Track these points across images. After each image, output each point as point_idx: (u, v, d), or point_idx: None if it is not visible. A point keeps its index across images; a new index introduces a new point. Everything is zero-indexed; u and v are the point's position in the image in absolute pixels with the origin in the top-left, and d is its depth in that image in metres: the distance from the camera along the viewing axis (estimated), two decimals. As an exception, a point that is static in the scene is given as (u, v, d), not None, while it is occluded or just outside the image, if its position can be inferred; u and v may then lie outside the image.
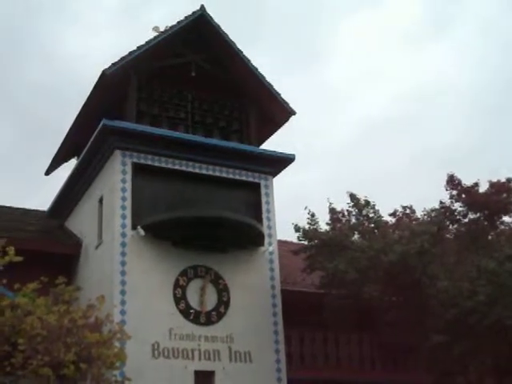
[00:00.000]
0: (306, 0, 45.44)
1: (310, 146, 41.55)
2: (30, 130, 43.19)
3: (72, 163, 19.97)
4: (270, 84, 18.63)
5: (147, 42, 17.55)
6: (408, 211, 18.23)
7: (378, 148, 45.46)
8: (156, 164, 17.04)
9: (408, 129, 46.00)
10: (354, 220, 17.90)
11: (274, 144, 19.81)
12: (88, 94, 17.52)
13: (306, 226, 17.69)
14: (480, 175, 17.92)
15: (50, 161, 20.26)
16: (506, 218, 18.00)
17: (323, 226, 17.84)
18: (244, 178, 18.06)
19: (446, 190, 17.87)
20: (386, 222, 17.90)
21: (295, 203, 20.99)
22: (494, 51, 44.98)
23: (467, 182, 17.76)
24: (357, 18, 47.28)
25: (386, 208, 18.27)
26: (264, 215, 17.85)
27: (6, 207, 20.19)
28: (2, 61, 42.52)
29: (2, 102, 42.92)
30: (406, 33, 47.44)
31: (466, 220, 17.88)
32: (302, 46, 46.28)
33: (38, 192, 34.96)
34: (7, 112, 42.83)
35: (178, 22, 18.06)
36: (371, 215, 17.84)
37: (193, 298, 16.24)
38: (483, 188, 17.82)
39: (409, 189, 37.39)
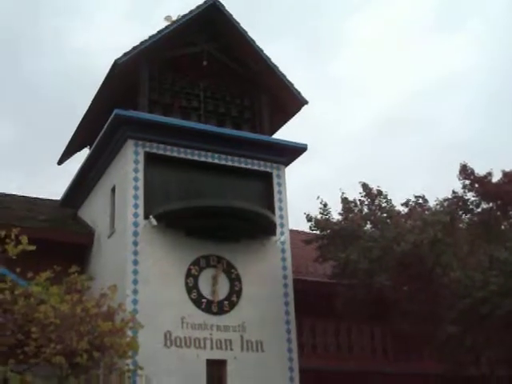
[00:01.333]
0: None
1: (323, 137, 41.55)
2: (43, 121, 43.36)
3: (85, 153, 20.04)
4: (282, 74, 18.58)
5: (159, 32, 17.52)
6: (421, 201, 18.15)
7: (391, 140, 45.47)
8: (168, 153, 17.05)
9: (422, 122, 45.80)
10: (366, 210, 17.85)
11: (286, 134, 19.78)
12: (100, 83, 17.53)
13: (318, 216, 17.67)
14: (495, 167, 17.84)
15: (62, 150, 20.33)
16: (519, 208, 17.90)
17: (335, 215, 17.84)
18: (256, 168, 18.04)
19: (459, 179, 17.81)
20: (399, 212, 17.84)
21: (307, 193, 21.01)
22: (507, 45, 44.64)
23: (480, 171, 17.68)
24: (369, 12, 47.06)
25: (398, 198, 18.25)
26: (276, 205, 17.84)
27: (19, 196, 20.28)
28: (20, 54, 42.84)
29: (20, 95, 43.24)
30: (419, 26, 47.20)
31: (479, 210, 17.81)
32: (315, 37, 46.21)
33: (52, 181, 35.22)
34: (24, 103, 43.18)
35: (190, 12, 18.02)
36: (384, 205, 17.79)
37: (205, 288, 16.27)
38: (496, 178, 17.73)
39: (421, 180, 37.33)
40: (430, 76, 47.06)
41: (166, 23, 17.84)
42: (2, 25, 42.49)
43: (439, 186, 19.66)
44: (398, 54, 47.18)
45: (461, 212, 17.75)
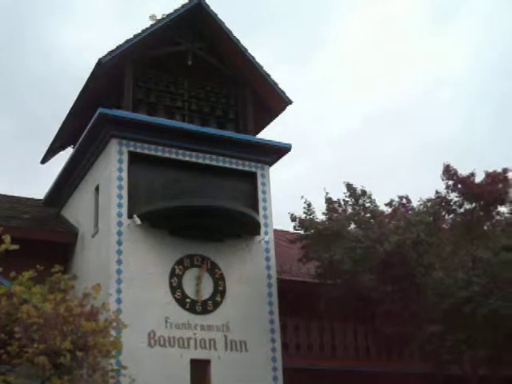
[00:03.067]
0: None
1: (307, 137, 41.61)
2: (26, 121, 43.17)
3: (68, 152, 19.97)
4: (266, 73, 18.60)
5: (143, 31, 17.48)
6: (404, 201, 18.23)
7: (376, 140, 45.62)
8: (152, 153, 17.02)
9: (407, 121, 46.01)
10: (350, 210, 17.90)
11: (270, 135, 19.78)
12: (84, 82, 17.47)
13: (303, 216, 17.70)
14: (479, 167, 17.96)
15: (46, 149, 20.23)
16: (501, 209, 18.03)
17: (319, 215, 17.87)
18: (240, 167, 18.05)
19: (442, 180, 17.90)
20: (382, 212, 17.91)
21: (292, 193, 21.06)
22: (495, 43, 44.94)
23: (463, 172, 17.79)
24: (356, 11, 47.12)
25: (382, 198, 18.32)
26: (260, 204, 17.85)
27: (2, 195, 20.16)
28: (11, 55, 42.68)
29: (6, 96, 43.01)
30: (407, 25, 47.36)
31: (462, 210, 17.90)
32: (299, 36, 46.21)
33: (34, 181, 35.03)
34: (3, 103, 42.88)
35: (175, 11, 18.00)
36: (367, 205, 17.85)
37: (189, 287, 16.26)
38: (479, 178, 17.85)
39: (406, 180, 37.50)
40: (416, 76, 47.26)
41: (151, 22, 17.82)
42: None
43: (423, 185, 19.73)
44: (382, 54, 47.34)
45: (444, 212, 17.84)
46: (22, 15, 43.39)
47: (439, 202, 17.67)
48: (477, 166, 18.58)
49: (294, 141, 18.89)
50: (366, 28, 46.45)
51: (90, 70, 17.07)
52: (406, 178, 37.79)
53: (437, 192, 17.84)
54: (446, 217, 18.03)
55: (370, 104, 46.35)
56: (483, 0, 44.84)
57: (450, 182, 17.80)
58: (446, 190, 17.86)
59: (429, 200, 17.59)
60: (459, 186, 17.71)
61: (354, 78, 45.62)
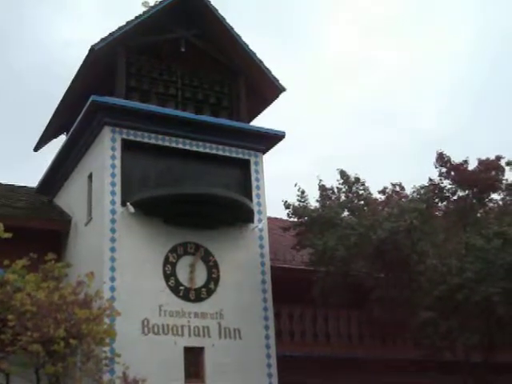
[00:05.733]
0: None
1: (299, 126, 41.58)
2: (19, 109, 42.99)
3: (61, 139, 19.90)
4: (260, 60, 18.54)
5: (136, 17, 17.39)
6: (397, 188, 18.28)
7: (368, 129, 45.61)
8: (146, 140, 16.97)
9: (397, 110, 45.98)
10: (343, 197, 17.92)
11: (265, 122, 19.73)
12: (77, 70, 17.38)
13: (296, 203, 17.72)
14: (470, 155, 17.98)
15: (38, 137, 20.15)
16: (494, 196, 18.11)
17: (313, 203, 17.89)
18: (234, 155, 18.01)
19: (436, 167, 17.94)
20: (376, 199, 17.95)
21: (285, 181, 21.04)
22: (485, 32, 44.96)
23: (456, 159, 17.82)
24: (341, 7, 46.99)
25: (375, 186, 18.34)
26: (254, 192, 17.84)
27: (-5, 183, 20.10)
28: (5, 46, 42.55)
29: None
30: (396, 16, 47.22)
31: (455, 197, 17.97)
32: (290, 25, 46.12)
33: (27, 169, 34.89)
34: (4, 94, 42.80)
35: (168, -3, 17.89)
36: (361, 192, 17.88)
37: (182, 275, 16.25)
38: (472, 166, 17.89)
39: (399, 170, 37.52)
40: (409, 64, 47.18)
41: (144, 9, 17.73)
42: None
43: (416, 175, 19.80)
44: (373, 42, 47.32)
45: (437, 199, 17.90)
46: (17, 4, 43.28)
47: (432, 190, 17.73)
48: (468, 154, 18.48)
49: (289, 129, 18.87)
50: (358, 17, 46.51)
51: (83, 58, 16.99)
52: (398, 168, 37.78)
53: (430, 179, 17.90)
54: (440, 204, 18.10)
55: (362, 95, 46.40)
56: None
57: (444, 170, 17.83)
58: (439, 178, 17.92)
59: (422, 187, 17.63)
60: (452, 173, 17.78)
61: (344, 68, 45.71)
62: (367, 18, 46.67)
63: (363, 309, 17.91)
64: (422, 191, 17.49)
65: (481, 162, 17.87)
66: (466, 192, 17.84)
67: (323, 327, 18.85)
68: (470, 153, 22.69)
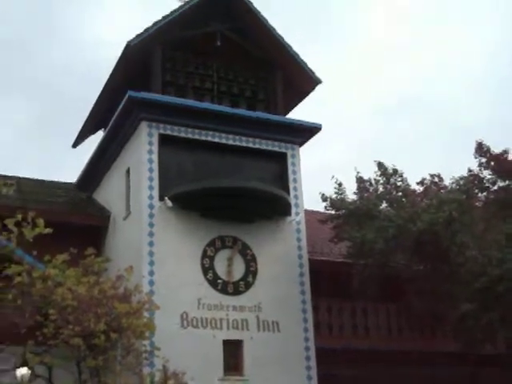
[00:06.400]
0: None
1: (336, 118, 41.35)
2: (58, 107, 43.59)
3: (99, 135, 20.08)
4: (295, 53, 18.47)
5: (172, 12, 17.45)
6: (436, 179, 18.03)
7: (404, 121, 45.21)
8: (182, 135, 17.04)
9: (436, 102, 45.42)
10: (381, 189, 17.77)
11: (300, 114, 19.70)
12: (113, 66, 17.51)
13: (333, 196, 17.63)
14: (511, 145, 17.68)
15: (77, 134, 20.37)
16: (535, 186, 17.75)
17: (350, 195, 17.77)
18: (270, 148, 17.99)
19: (475, 157, 17.66)
20: (414, 191, 17.76)
21: (322, 173, 20.94)
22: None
23: (496, 150, 17.53)
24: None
25: (414, 177, 18.14)
26: (291, 185, 17.80)
27: (35, 180, 20.36)
28: (32, 43, 43.23)
29: (31, 81, 43.52)
30: (430, 13, 46.65)
31: (495, 188, 17.67)
32: (327, 19, 45.84)
33: (66, 165, 35.35)
34: (37, 90, 43.44)
35: (203, -8, 17.91)
36: (399, 184, 17.71)
37: (220, 269, 16.32)
38: (513, 155, 17.58)
39: (438, 160, 37.13)
40: (444, 57, 46.57)
41: (179, 3, 17.79)
42: (15, 20, 42.69)
43: (454, 166, 19.54)
44: (412, 36, 46.82)
45: (477, 190, 17.62)
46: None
47: (472, 180, 17.46)
48: (509, 144, 18.10)
49: (325, 122, 18.75)
50: (394, 13, 46.05)
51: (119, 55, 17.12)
52: (438, 159, 37.41)
53: (469, 170, 17.62)
54: (479, 195, 17.82)
55: (398, 85, 45.97)
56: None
57: (483, 160, 17.55)
58: (478, 168, 17.64)
59: (461, 178, 17.40)
60: (492, 163, 17.47)
61: (380, 61, 45.30)
62: (395, 10, 46.18)
63: (402, 301, 17.77)
64: (461, 182, 17.27)
65: (521, 152, 17.56)
66: (507, 182, 17.54)
67: (362, 320, 18.77)
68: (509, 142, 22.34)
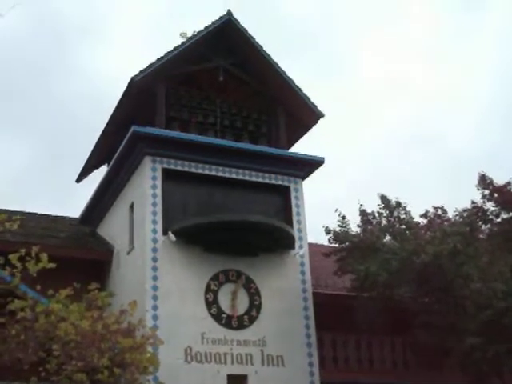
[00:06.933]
0: (329, 12, 45.76)
1: (338, 152, 41.59)
2: (60, 142, 43.92)
3: (103, 170, 20.15)
4: (298, 87, 18.62)
5: (175, 48, 17.63)
6: (439, 212, 18.04)
7: (405, 156, 45.41)
8: (186, 169, 17.12)
9: (435, 137, 45.65)
10: (384, 222, 17.78)
11: (303, 149, 19.75)
12: (117, 101, 17.66)
13: (337, 229, 17.63)
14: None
15: (80, 169, 20.46)
16: (539, 218, 17.71)
17: (354, 228, 17.77)
18: (273, 182, 18.06)
19: (478, 189, 17.66)
20: (418, 223, 17.75)
21: (325, 206, 20.96)
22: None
23: (499, 181, 17.54)
24: (383, 27, 47.09)
25: (417, 210, 18.14)
26: (294, 218, 17.83)
27: (39, 214, 20.41)
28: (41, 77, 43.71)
29: (39, 115, 43.95)
30: (426, 44, 47.17)
31: (499, 220, 17.65)
32: (326, 53, 46.35)
33: (70, 200, 35.44)
34: (42, 124, 43.83)
35: (205, 28, 18.12)
36: (402, 216, 17.71)
37: (224, 303, 16.27)
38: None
39: (440, 194, 37.19)
40: (443, 90, 46.95)
41: (182, 40, 17.98)
42: (29, 54, 43.32)
43: (456, 200, 19.54)
44: (408, 67, 47.23)
45: (480, 222, 17.60)
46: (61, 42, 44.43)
47: (475, 212, 17.45)
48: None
49: (327, 155, 18.82)
50: (385, 49, 46.51)
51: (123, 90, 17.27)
52: (439, 193, 37.45)
53: (473, 202, 17.62)
54: (483, 227, 17.79)
55: (396, 121, 46.27)
56: (502, 19, 44.64)
57: (486, 192, 17.56)
58: (482, 200, 17.63)
59: (465, 210, 17.40)
60: (495, 195, 17.48)
61: (379, 95, 45.58)
62: (401, 43, 46.69)
63: (407, 334, 17.65)
64: (464, 214, 17.27)
65: (525, 184, 17.56)
66: (510, 214, 17.52)
67: (367, 353, 18.63)
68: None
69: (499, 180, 17.53)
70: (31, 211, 20.42)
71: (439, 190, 39.38)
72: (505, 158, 40.65)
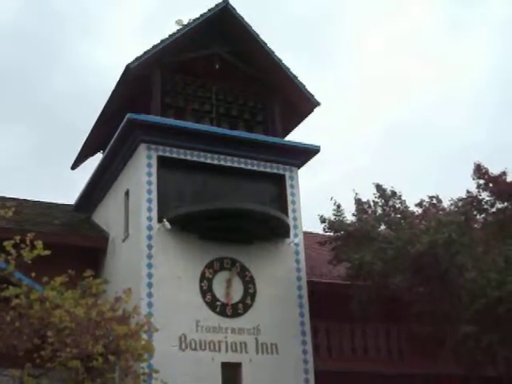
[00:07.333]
0: (329, 4, 45.61)
1: (333, 142, 41.60)
2: (57, 131, 43.85)
3: (98, 157, 20.11)
4: (294, 75, 18.57)
5: (170, 36, 17.55)
6: (434, 201, 18.05)
7: (400, 146, 45.50)
8: (181, 157, 17.08)
9: (432, 127, 45.68)
10: (380, 211, 17.78)
11: (300, 137, 19.74)
12: (112, 88, 17.59)
13: (332, 217, 17.63)
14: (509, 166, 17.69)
15: (75, 156, 20.41)
16: (533, 207, 17.75)
17: (349, 217, 17.78)
18: (269, 170, 18.04)
19: (473, 179, 17.69)
20: (413, 213, 17.76)
21: (321, 196, 20.93)
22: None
23: (494, 171, 17.56)
24: (380, 21, 47.01)
25: (412, 199, 18.15)
26: (289, 207, 17.82)
27: (34, 201, 20.37)
28: (34, 71, 43.87)
29: (31, 106, 43.85)
30: (428, 33, 47.11)
31: (494, 209, 17.68)
32: (323, 47, 46.29)
33: (65, 187, 35.40)
34: (37, 114, 43.77)
35: (201, 15, 18.04)
36: (398, 206, 17.72)
37: (219, 291, 16.28)
38: (511, 177, 17.61)
39: (433, 185, 37.18)
40: (439, 82, 46.94)
41: (178, 27, 17.89)
42: (19, 50, 43.12)
43: (451, 190, 19.54)
44: (404, 61, 47.22)
45: (475, 212, 17.63)
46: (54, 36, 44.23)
47: (470, 202, 17.47)
48: (506, 166, 18.16)
49: (324, 143, 18.81)
50: (389, 38, 46.50)
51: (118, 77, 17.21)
52: (435, 182, 37.51)
53: (468, 191, 17.64)
54: (478, 216, 17.82)
55: (389, 115, 46.31)
56: (497, 10, 44.61)
57: (481, 181, 17.58)
58: (477, 190, 17.66)
59: (460, 200, 17.42)
60: (490, 185, 17.50)
61: (374, 90, 45.53)
62: (398, 32, 46.60)
63: (402, 323, 17.70)
64: (459, 204, 17.28)
65: (520, 173, 17.59)
66: (505, 204, 17.55)
67: (361, 342, 18.68)
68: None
69: (494, 170, 17.59)
70: (26, 198, 20.39)
71: (435, 180, 39.46)
72: (497, 148, 40.77)
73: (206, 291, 16.15)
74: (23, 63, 43.57)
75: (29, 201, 20.26)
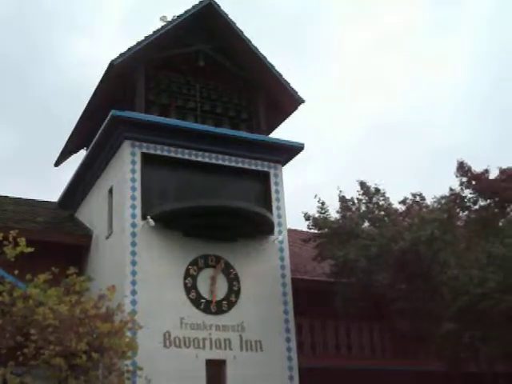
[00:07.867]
0: (313, 3, 45.71)
1: (317, 140, 41.73)
2: (41, 125, 43.56)
3: (81, 154, 20.03)
4: (278, 73, 18.59)
5: (154, 32, 17.51)
6: (418, 199, 18.15)
7: (383, 144, 45.64)
8: (165, 154, 17.06)
9: (414, 126, 45.87)
10: (363, 208, 17.85)
11: (284, 135, 19.73)
12: (96, 85, 17.52)
13: (316, 215, 17.67)
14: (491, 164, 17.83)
15: (59, 152, 20.31)
16: (516, 205, 17.89)
17: (333, 214, 17.82)
18: (253, 167, 18.05)
19: (456, 176, 17.80)
20: (396, 210, 17.85)
21: (305, 194, 21.00)
22: (495, 50, 44.93)
23: (477, 169, 17.69)
24: (364, 18, 47.14)
25: (396, 196, 18.24)
26: (274, 204, 17.85)
27: (17, 199, 20.28)
28: (20, 66, 43.64)
29: (17, 102, 43.56)
30: (411, 32, 47.30)
31: (477, 207, 17.81)
32: (305, 43, 46.34)
33: (49, 184, 35.19)
34: (22, 110, 43.49)
35: (186, 12, 18.02)
36: (381, 203, 17.79)
37: (203, 288, 16.28)
38: (493, 175, 17.74)
39: (416, 183, 37.28)
40: (422, 81, 47.16)
41: (162, 23, 17.84)
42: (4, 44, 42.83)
43: (435, 188, 19.60)
44: (388, 60, 47.37)
45: (458, 209, 17.75)
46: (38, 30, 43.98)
47: (453, 199, 17.58)
48: (488, 164, 18.28)
49: (308, 141, 18.85)
50: (372, 36, 46.61)
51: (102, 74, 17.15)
52: (419, 180, 37.68)
53: (451, 189, 17.75)
54: (461, 214, 17.94)
55: (373, 114, 46.49)
56: (483, 10, 44.86)
57: (464, 179, 17.70)
58: (460, 187, 17.78)
59: (443, 197, 17.52)
60: (473, 182, 17.62)
61: (358, 89, 45.65)
62: (381, 32, 46.73)
63: (385, 320, 17.78)
64: (442, 201, 17.38)
65: (502, 171, 17.71)
66: (488, 201, 17.68)
67: (345, 339, 18.75)
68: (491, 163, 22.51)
69: (477, 168, 17.71)
70: (8, 195, 20.27)
71: (419, 178, 39.64)
72: (480, 148, 41.00)
73: (191, 288, 16.15)
74: (7, 57, 43.31)
75: (11, 198, 20.16)
